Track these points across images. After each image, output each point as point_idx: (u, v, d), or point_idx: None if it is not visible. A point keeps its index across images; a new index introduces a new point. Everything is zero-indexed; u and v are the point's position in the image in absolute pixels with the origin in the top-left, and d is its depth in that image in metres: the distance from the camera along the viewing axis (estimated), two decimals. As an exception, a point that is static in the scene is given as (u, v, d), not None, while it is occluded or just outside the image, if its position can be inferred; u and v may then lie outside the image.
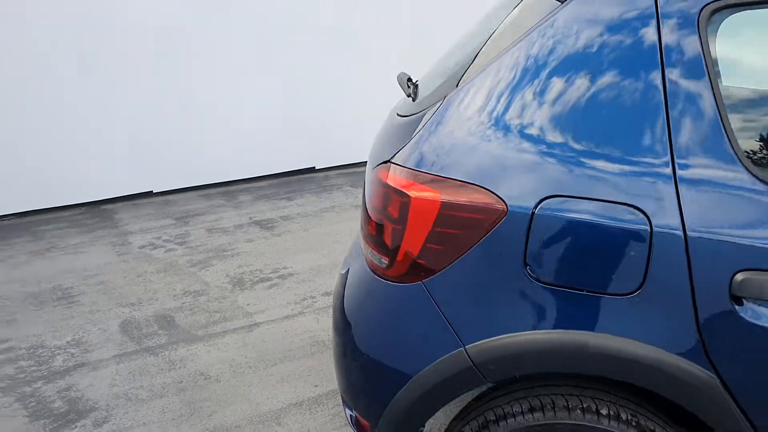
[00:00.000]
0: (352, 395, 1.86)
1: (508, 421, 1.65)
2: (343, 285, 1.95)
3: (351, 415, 1.92)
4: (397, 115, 1.94)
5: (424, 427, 1.84)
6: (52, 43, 4.67)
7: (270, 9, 5.42)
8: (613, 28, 1.53)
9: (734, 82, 1.50)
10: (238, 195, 5.45)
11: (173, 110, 5.23)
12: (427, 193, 1.59)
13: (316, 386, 2.87)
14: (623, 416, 1.60)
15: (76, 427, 2.65)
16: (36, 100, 4.72)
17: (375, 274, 1.74)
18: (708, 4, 1.48)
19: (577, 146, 1.52)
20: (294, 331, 3.32)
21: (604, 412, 1.60)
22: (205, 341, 3.26)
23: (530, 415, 1.63)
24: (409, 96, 2.02)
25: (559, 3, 1.60)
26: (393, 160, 1.71)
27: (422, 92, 1.91)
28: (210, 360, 3.10)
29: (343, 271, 2.04)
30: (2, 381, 2.95)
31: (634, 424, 1.59)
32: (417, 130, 1.71)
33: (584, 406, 1.61)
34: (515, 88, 1.58)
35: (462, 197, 1.56)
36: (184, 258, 4.22)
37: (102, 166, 5.09)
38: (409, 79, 2.16)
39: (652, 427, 1.59)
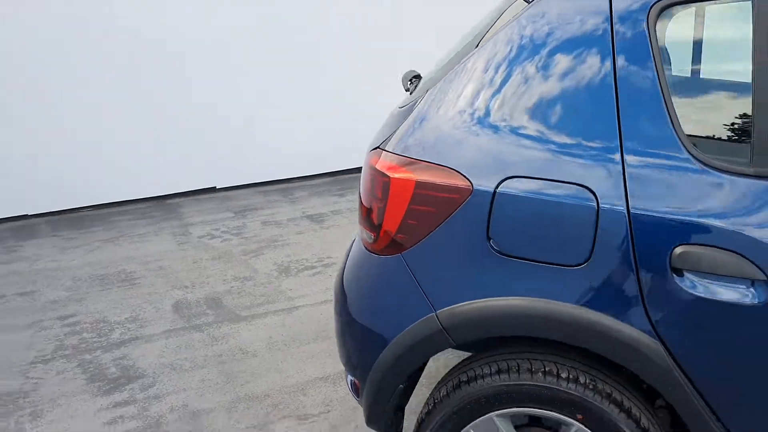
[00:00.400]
0: (347, 360, 2.08)
1: (478, 381, 1.83)
2: (344, 263, 2.17)
3: (350, 380, 2.13)
4: (398, 107, 2.15)
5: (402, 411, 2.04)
6: (128, 54, 5.08)
7: (323, 16, 5.70)
8: (571, 24, 1.69)
9: (678, 72, 1.64)
10: (294, 191, 5.74)
11: (235, 113, 5.58)
12: (405, 174, 1.79)
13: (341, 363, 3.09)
14: (582, 380, 1.75)
15: (125, 390, 2.96)
16: (114, 103, 5.14)
17: (366, 249, 1.95)
18: (657, 2, 1.62)
19: (534, 132, 1.69)
20: (329, 314, 3.56)
21: (563, 375, 1.75)
22: (248, 321, 3.54)
23: (497, 377, 1.81)
24: (407, 90, 2.23)
25: (527, 3, 1.78)
26: (382, 147, 1.91)
27: (418, 88, 2.11)
28: (249, 337, 3.37)
29: (348, 253, 2.26)
30: (67, 349, 3.30)
31: (591, 387, 1.74)
32: (404, 120, 1.91)
33: (546, 369, 1.77)
34: (482, 83, 1.77)
35: (434, 178, 1.75)
36: (238, 247, 4.52)
37: (170, 163, 5.48)
38: (416, 76, 2.36)
39: (609, 391, 1.74)
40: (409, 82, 2.29)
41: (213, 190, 5.78)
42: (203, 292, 3.88)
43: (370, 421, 2.01)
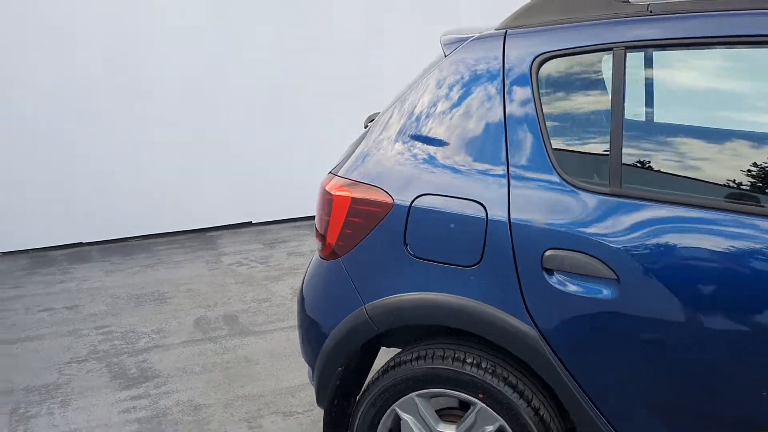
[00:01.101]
0: (304, 351, 2.49)
1: (402, 366, 2.21)
2: (306, 270, 2.60)
3: (308, 370, 2.53)
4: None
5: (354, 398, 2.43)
6: (178, 96, 5.71)
7: (362, 61, 6.24)
8: (474, 72, 2.12)
9: (553, 112, 2.04)
10: (322, 227, 6.21)
11: (272, 153, 6.13)
12: (344, 192, 2.23)
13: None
14: (483, 365, 2.11)
15: (141, 387, 3.43)
16: (165, 144, 5.76)
17: (319, 257, 2.38)
18: (538, 55, 2.04)
19: (442, 159, 2.11)
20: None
21: (468, 360, 2.12)
22: (257, 335, 3.98)
23: (416, 362, 2.19)
24: (365, 127, 2.67)
25: (444, 56, 2.21)
26: (333, 172, 2.36)
27: (370, 124, 2.55)
28: (256, 349, 3.81)
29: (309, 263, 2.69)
30: (99, 353, 3.80)
31: (490, 371, 2.10)
32: (353, 150, 2.36)
33: (455, 356, 2.14)
34: (405, 120, 2.20)
35: (366, 195, 2.18)
36: (261, 273, 5.00)
37: (211, 199, 6.05)
38: (376, 114, 2.80)
39: (506, 375, 2.10)
40: (369, 121, 2.74)
41: (249, 224, 6.31)
42: (223, 311, 4.35)
43: (318, 401, 2.40)
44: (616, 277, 1.88)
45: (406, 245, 2.13)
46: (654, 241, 1.84)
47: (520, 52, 2.07)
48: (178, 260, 5.36)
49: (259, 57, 5.95)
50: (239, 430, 3.05)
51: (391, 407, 2.24)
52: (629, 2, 2.00)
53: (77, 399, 3.33)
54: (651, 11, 1.96)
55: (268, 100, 6.06)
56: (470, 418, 2.15)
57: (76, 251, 5.69)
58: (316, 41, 6.10)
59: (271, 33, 5.95)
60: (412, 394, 2.21)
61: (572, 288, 1.93)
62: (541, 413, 2.07)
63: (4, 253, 5.62)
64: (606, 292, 1.90)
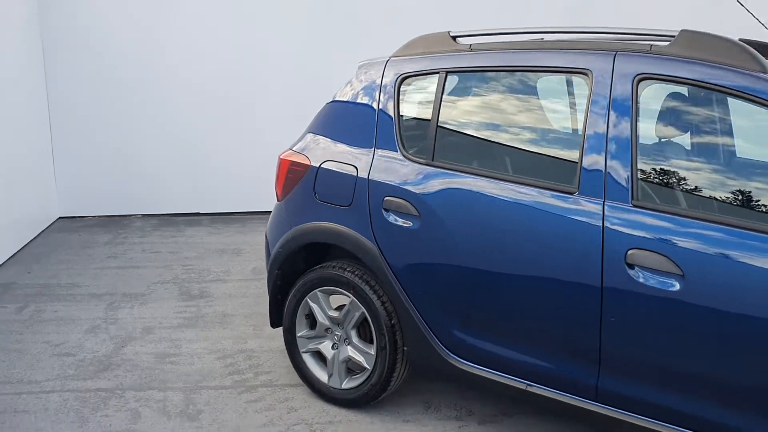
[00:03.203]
0: (266, 263, 3.81)
1: (312, 273, 3.48)
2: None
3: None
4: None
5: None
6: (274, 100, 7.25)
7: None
8: (365, 85, 3.37)
9: (405, 112, 3.23)
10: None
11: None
12: (286, 158, 3.55)
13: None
14: (355, 271, 3.33)
15: (195, 301, 4.91)
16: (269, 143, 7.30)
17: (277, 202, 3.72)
18: (401, 75, 3.25)
19: (338, 141, 3.37)
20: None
21: (346, 268, 3.36)
22: (291, 280, 5.34)
23: (319, 270, 3.45)
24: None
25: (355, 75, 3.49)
26: (291, 148, 3.68)
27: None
28: (285, 288, 5.17)
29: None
30: (178, 280, 5.34)
31: (358, 275, 3.32)
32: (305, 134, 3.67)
33: (339, 266, 3.39)
34: (323, 118, 3.49)
35: (297, 159, 3.49)
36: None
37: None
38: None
39: (368, 279, 3.30)
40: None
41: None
42: (276, 264, 5.76)
43: (270, 303, 3.70)
44: (418, 214, 3.06)
45: (315, 193, 3.41)
46: (445, 193, 3.00)
47: (392, 73, 3.30)
48: (260, 230, 6.87)
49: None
50: (246, 329, 4.41)
51: (305, 299, 3.50)
52: (459, 42, 3.16)
53: (151, 303, 4.87)
54: (471, 49, 3.12)
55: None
56: (347, 307, 3.37)
57: (194, 219, 7.38)
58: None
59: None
60: (316, 290, 3.46)
61: (397, 221, 3.12)
62: (386, 304, 3.25)
63: (143, 215, 7.42)
64: (414, 224, 3.08)
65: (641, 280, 2.55)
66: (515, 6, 7.15)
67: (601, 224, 2.63)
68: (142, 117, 7.21)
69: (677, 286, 2.48)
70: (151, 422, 3.34)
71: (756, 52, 2.58)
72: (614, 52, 2.75)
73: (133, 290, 5.14)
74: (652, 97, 2.76)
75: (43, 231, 6.74)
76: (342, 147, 3.38)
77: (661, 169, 2.71)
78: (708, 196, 2.62)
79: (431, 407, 3.50)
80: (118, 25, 7.02)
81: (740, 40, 3.25)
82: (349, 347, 3.42)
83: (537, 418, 3.38)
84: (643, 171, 2.65)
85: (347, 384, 3.43)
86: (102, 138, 7.22)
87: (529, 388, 2.92)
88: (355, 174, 3.27)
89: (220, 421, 3.36)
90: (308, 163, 3.46)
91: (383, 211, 3.17)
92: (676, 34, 2.69)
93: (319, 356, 3.55)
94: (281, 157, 3.62)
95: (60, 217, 7.23)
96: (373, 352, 3.32)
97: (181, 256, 6.02)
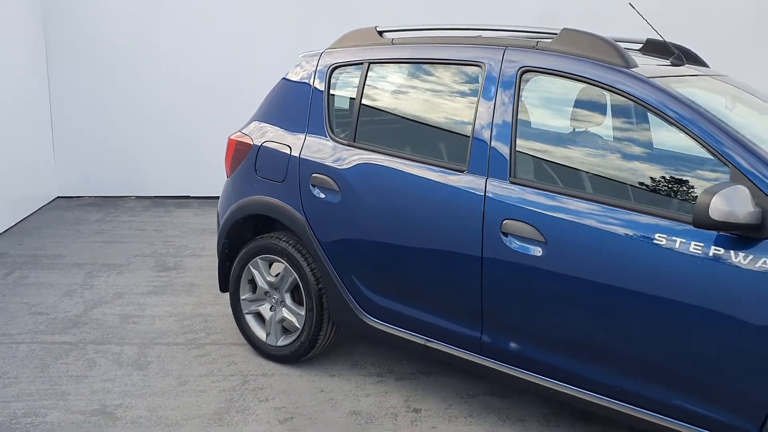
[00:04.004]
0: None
1: (253, 242, 3.89)
2: (233, 188, 4.33)
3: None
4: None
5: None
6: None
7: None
8: (302, 75, 3.77)
9: (334, 98, 3.62)
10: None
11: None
12: (234, 138, 3.96)
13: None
14: (288, 240, 3.74)
15: (168, 272, 5.34)
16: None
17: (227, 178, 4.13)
18: (331, 65, 3.65)
19: (277, 124, 3.78)
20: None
21: (281, 238, 3.76)
22: (260, 257, 5.76)
23: (260, 240, 3.86)
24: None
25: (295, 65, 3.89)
26: (240, 130, 4.09)
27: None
28: (253, 263, 5.59)
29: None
30: (156, 254, 5.79)
31: (291, 244, 3.72)
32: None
33: (276, 236, 3.80)
34: (265, 107, 3.90)
35: (242, 139, 3.90)
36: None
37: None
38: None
39: (299, 247, 3.70)
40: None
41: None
42: (250, 242, 6.18)
43: (219, 270, 4.11)
44: (338, 189, 3.45)
45: (256, 170, 3.82)
46: (360, 170, 3.40)
47: (324, 64, 3.70)
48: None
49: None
50: (208, 297, 4.84)
51: (248, 266, 3.91)
52: (384, 37, 3.55)
53: (127, 273, 5.32)
54: (393, 42, 3.51)
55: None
56: (282, 273, 3.78)
57: (184, 201, 7.83)
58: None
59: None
60: (257, 258, 3.87)
61: (321, 195, 3.52)
62: (314, 270, 3.65)
63: (137, 197, 7.88)
64: (335, 199, 3.47)
65: (512, 246, 2.92)
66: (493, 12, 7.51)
67: (483, 198, 3.01)
68: (140, 104, 7.69)
69: (540, 252, 2.86)
70: (104, 370, 3.78)
71: (623, 50, 2.94)
72: (505, 47, 3.13)
73: (112, 261, 5.58)
74: (534, 87, 3.13)
75: (40, 208, 7.23)
76: (280, 130, 3.79)
77: (536, 150, 3.09)
78: (574, 174, 2.98)
79: (357, 365, 3.90)
80: (118, 16, 7.49)
81: (647, 39, 3.63)
82: (284, 309, 3.82)
83: (450, 377, 3.75)
84: (520, 152, 3.02)
85: (282, 342, 3.84)
86: (100, 123, 7.70)
87: (428, 344, 3.31)
88: (288, 153, 3.67)
89: (165, 371, 3.78)
90: (251, 142, 3.86)
91: (311, 186, 3.57)
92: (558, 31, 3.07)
93: (260, 317, 3.96)
94: (230, 137, 4.03)
95: (58, 197, 7.73)
96: (303, 313, 3.72)
97: (165, 233, 6.47)
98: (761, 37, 7.63)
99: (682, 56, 3.35)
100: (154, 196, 7.89)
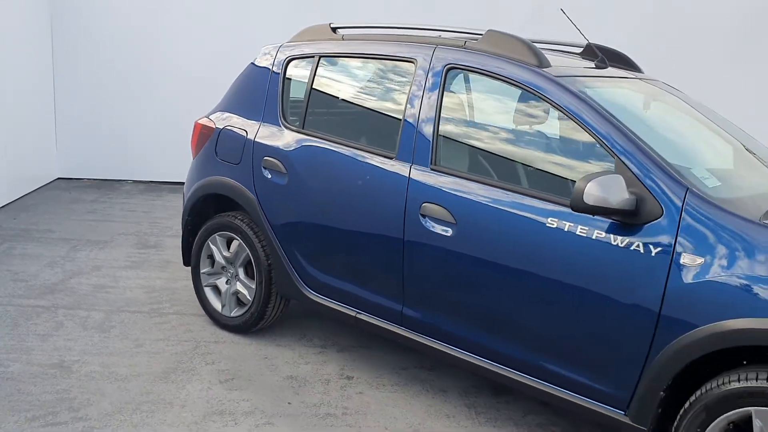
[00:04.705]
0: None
1: (213, 220, 4.21)
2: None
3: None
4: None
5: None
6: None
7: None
8: (260, 67, 4.08)
9: (289, 89, 3.92)
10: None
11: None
12: (200, 122, 4.28)
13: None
14: (243, 219, 4.05)
15: (147, 250, 5.67)
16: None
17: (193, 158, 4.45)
18: (287, 58, 3.96)
19: (238, 111, 4.09)
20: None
21: (237, 216, 4.08)
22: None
23: (218, 218, 4.17)
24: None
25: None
26: (206, 115, 4.40)
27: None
28: (230, 245, 5.91)
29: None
30: (140, 234, 6.13)
31: (245, 222, 4.03)
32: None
33: (232, 215, 4.10)
34: (230, 95, 4.21)
35: (206, 123, 4.22)
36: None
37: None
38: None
39: (251, 225, 4.01)
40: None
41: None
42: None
43: (182, 245, 4.43)
44: (285, 172, 3.76)
45: (216, 152, 4.13)
46: (304, 154, 3.70)
47: (281, 57, 4.01)
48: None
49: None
50: (180, 273, 5.16)
51: (207, 241, 4.22)
52: (337, 33, 3.85)
53: (109, 249, 5.66)
54: (343, 38, 3.81)
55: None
56: (236, 248, 4.09)
57: (178, 187, 8.16)
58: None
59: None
60: (215, 234, 4.18)
61: (270, 177, 3.83)
62: (265, 247, 3.96)
63: (134, 181, 8.24)
64: (282, 180, 3.78)
65: (428, 226, 3.20)
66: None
67: (407, 182, 3.30)
68: (139, 93, 8.07)
69: (450, 232, 3.14)
70: (68, 331, 4.11)
71: (538, 51, 3.22)
72: (435, 46, 3.41)
73: (98, 238, 5.93)
74: (457, 82, 3.41)
75: (40, 188, 7.61)
76: (240, 116, 4.10)
77: (455, 140, 3.37)
78: (485, 162, 3.27)
79: (305, 337, 4.20)
80: (121, 9, 7.87)
81: (594, 44, 3.87)
82: (238, 282, 4.13)
83: (386, 352, 4.04)
84: (442, 141, 3.30)
85: (235, 313, 4.15)
86: (101, 110, 8.08)
87: (358, 315, 3.60)
88: (245, 136, 3.98)
89: (125, 334, 4.11)
90: (213, 126, 4.18)
91: (262, 168, 3.87)
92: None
93: (217, 290, 4.27)
94: (196, 121, 4.35)
95: (59, 178, 8.11)
96: (254, 287, 4.02)
97: (153, 215, 6.81)
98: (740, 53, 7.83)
99: (605, 60, 3.61)
100: (150, 181, 8.24)
